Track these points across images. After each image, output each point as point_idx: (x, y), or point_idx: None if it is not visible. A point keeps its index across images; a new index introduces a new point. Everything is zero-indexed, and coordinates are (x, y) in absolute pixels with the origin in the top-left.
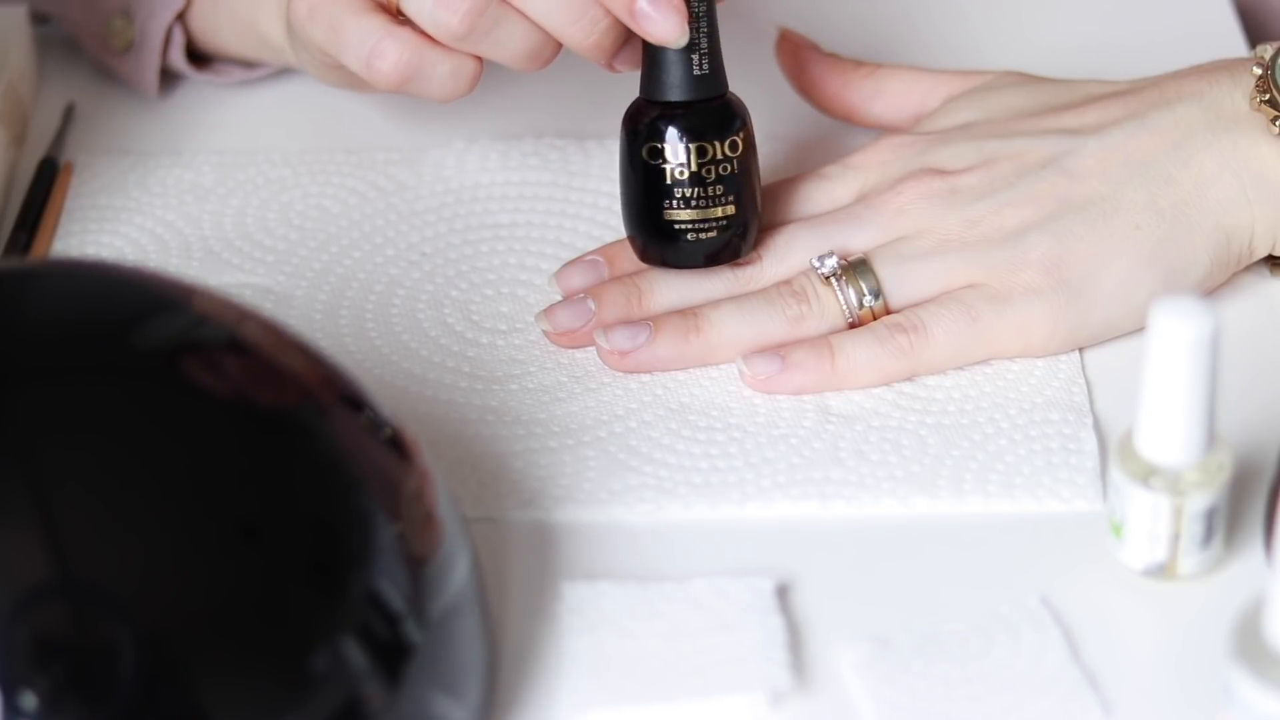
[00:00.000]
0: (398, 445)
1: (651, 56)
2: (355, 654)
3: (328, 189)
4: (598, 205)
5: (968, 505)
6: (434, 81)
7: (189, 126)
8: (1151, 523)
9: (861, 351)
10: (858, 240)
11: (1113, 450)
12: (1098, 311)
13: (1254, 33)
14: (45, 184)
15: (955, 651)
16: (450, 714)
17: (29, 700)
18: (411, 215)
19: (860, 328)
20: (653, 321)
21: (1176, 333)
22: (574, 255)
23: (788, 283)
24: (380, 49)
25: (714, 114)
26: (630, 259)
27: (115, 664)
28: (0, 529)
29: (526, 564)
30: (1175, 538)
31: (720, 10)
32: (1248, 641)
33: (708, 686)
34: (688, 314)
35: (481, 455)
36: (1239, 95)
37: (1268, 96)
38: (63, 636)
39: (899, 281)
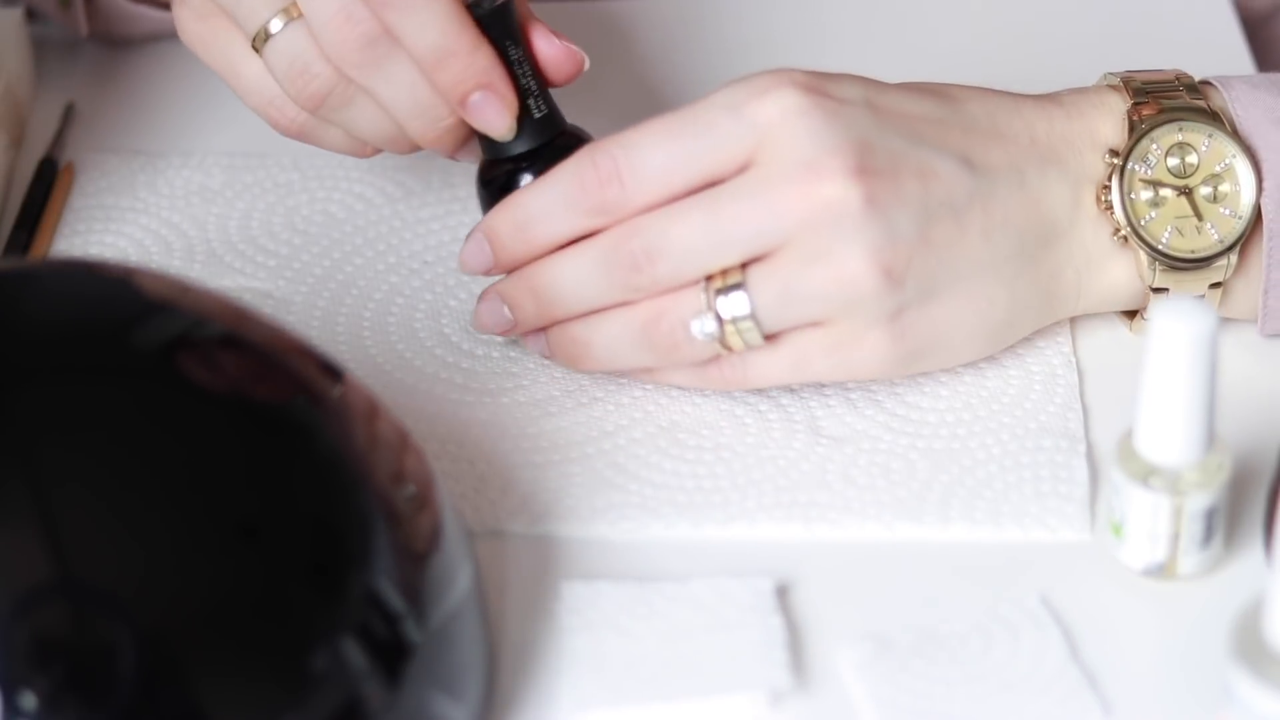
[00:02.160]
0: (398, 445)
1: None
2: (355, 654)
3: (335, 194)
4: None
5: (953, 532)
6: (327, 141)
7: (190, 126)
8: (1151, 523)
9: (679, 376)
10: (747, 244)
11: (1112, 451)
12: (919, 366)
13: (1254, 34)
14: (45, 184)
15: (955, 651)
16: (450, 714)
17: (29, 700)
18: (416, 223)
19: None
20: (547, 337)
21: (1176, 332)
22: None
23: (667, 320)
24: (276, 105)
25: (561, 150)
26: None
27: (115, 664)
28: (0, 528)
29: (525, 565)
30: (1175, 538)
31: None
32: (1247, 641)
33: (707, 686)
34: (578, 340)
35: (468, 467)
36: (1089, 187)
37: (1112, 201)
38: (62, 636)
39: (773, 315)
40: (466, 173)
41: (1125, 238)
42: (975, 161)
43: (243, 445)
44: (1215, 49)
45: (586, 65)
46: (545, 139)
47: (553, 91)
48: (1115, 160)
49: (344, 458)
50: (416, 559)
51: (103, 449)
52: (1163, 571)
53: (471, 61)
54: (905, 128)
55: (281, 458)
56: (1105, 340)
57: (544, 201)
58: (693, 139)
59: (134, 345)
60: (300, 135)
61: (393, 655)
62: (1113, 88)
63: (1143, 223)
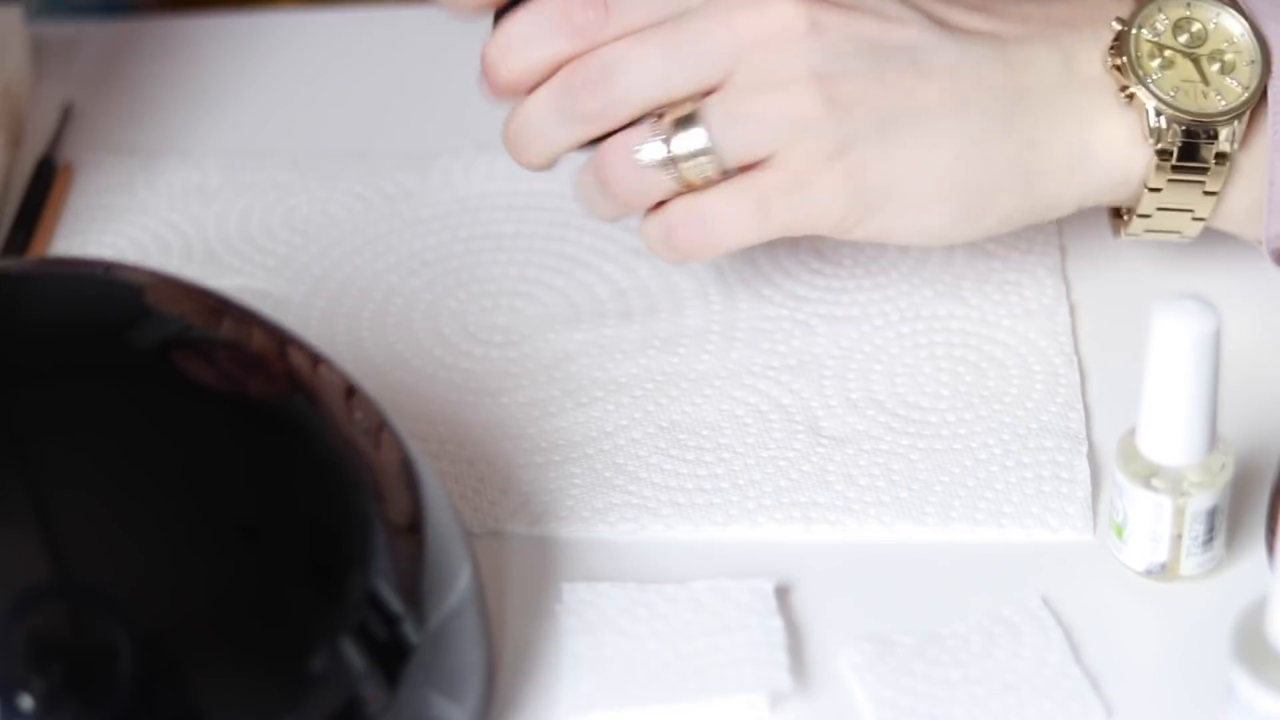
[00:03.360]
0: (396, 446)
1: None
2: (354, 655)
3: (334, 194)
4: None
5: (954, 533)
6: None
7: (189, 126)
8: (1153, 523)
9: (649, 232)
10: (698, 69)
11: (1114, 451)
12: (882, 220)
13: None
14: (43, 184)
15: (957, 653)
16: (449, 715)
17: (26, 701)
18: (415, 222)
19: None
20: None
21: (1178, 332)
22: (575, 267)
23: (620, 152)
24: None
25: None
26: None
27: (113, 665)
28: None
29: (525, 566)
30: (1177, 538)
31: None
32: (1249, 642)
33: (708, 688)
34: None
35: (467, 468)
36: (1095, 51)
37: (1121, 60)
38: (60, 637)
39: (724, 142)
40: (466, 173)
41: (1131, 96)
42: (950, 23)
43: (241, 446)
44: None
45: None
46: None
47: None
48: (1122, 25)
49: (342, 458)
50: (415, 560)
51: (101, 449)
52: (1165, 572)
53: None
54: None
55: (280, 458)
56: (1107, 340)
57: (529, 22)
58: (665, 74)
59: (132, 345)
60: None
61: (392, 656)
62: None
63: (1151, 78)
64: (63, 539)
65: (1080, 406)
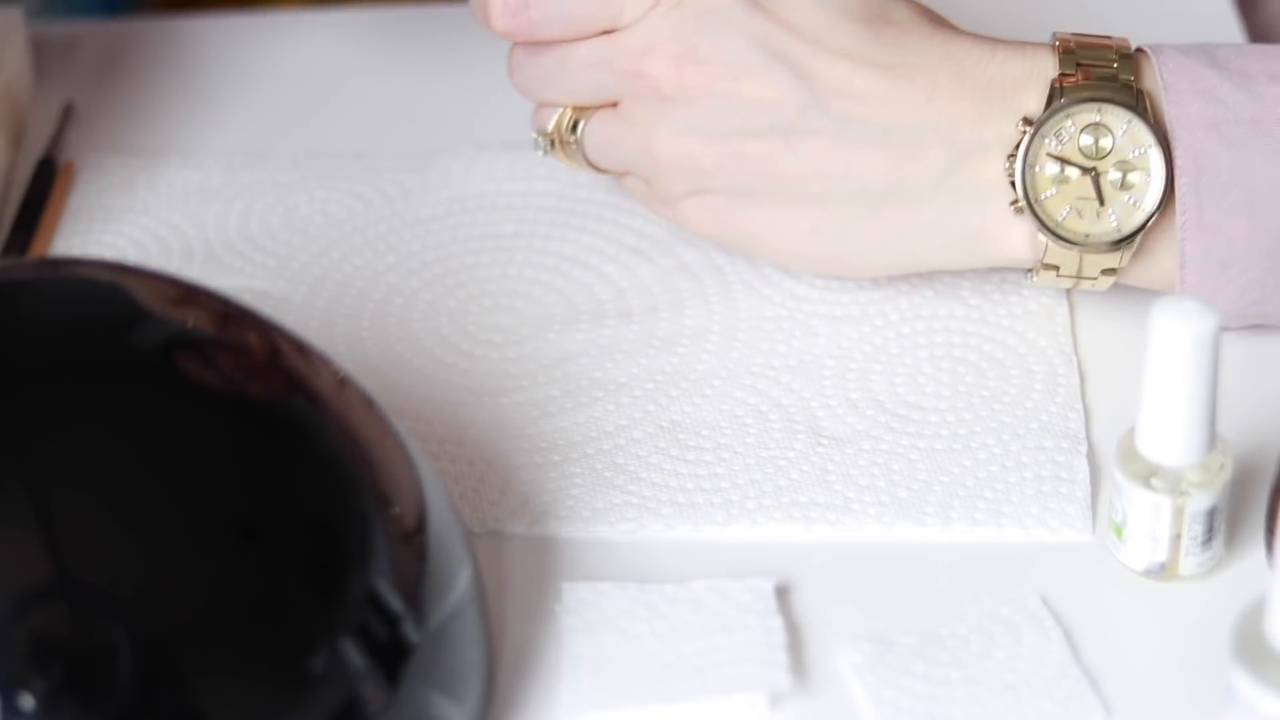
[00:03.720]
0: (396, 446)
1: None
2: (354, 655)
3: (334, 194)
4: (602, 218)
5: (954, 533)
6: None
7: (189, 126)
8: (1152, 523)
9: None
10: (589, 93)
11: (1114, 451)
12: (756, 253)
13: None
14: (44, 184)
15: (956, 653)
16: (449, 715)
17: (27, 701)
18: (415, 223)
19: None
20: None
21: (1177, 333)
22: (575, 268)
23: (535, 122)
24: None
25: None
26: None
27: (113, 665)
28: None
29: (525, 566)
30: (1176, 538)
31: None
32: (1249, 642)
33: (707, 688)
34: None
35: (467, 468)
36: (994, 154)
37: (1014, 172)
38: (61, 637)
39: (595, 155)
40: (466, 174)
41: (1020, 209)
42: (839, 94)
43: (241, 446)
44: (1210, 29)
45: None
46: None
47: None
48: (1026, 129)
49: (343, 458)
50: (416, 559)
51: (101, 449)
52: (1164, 572)
53: None
54: (779, 41)
55: (280, 458)
56: (1107, 340)
57: (474, 5)
58: (598, 4)
59: (132, 345)
60: None
61: (392, 656)
62: (1050, 49)
63: (1041, 198)
64: (63, 539)
65: (1079, 406)
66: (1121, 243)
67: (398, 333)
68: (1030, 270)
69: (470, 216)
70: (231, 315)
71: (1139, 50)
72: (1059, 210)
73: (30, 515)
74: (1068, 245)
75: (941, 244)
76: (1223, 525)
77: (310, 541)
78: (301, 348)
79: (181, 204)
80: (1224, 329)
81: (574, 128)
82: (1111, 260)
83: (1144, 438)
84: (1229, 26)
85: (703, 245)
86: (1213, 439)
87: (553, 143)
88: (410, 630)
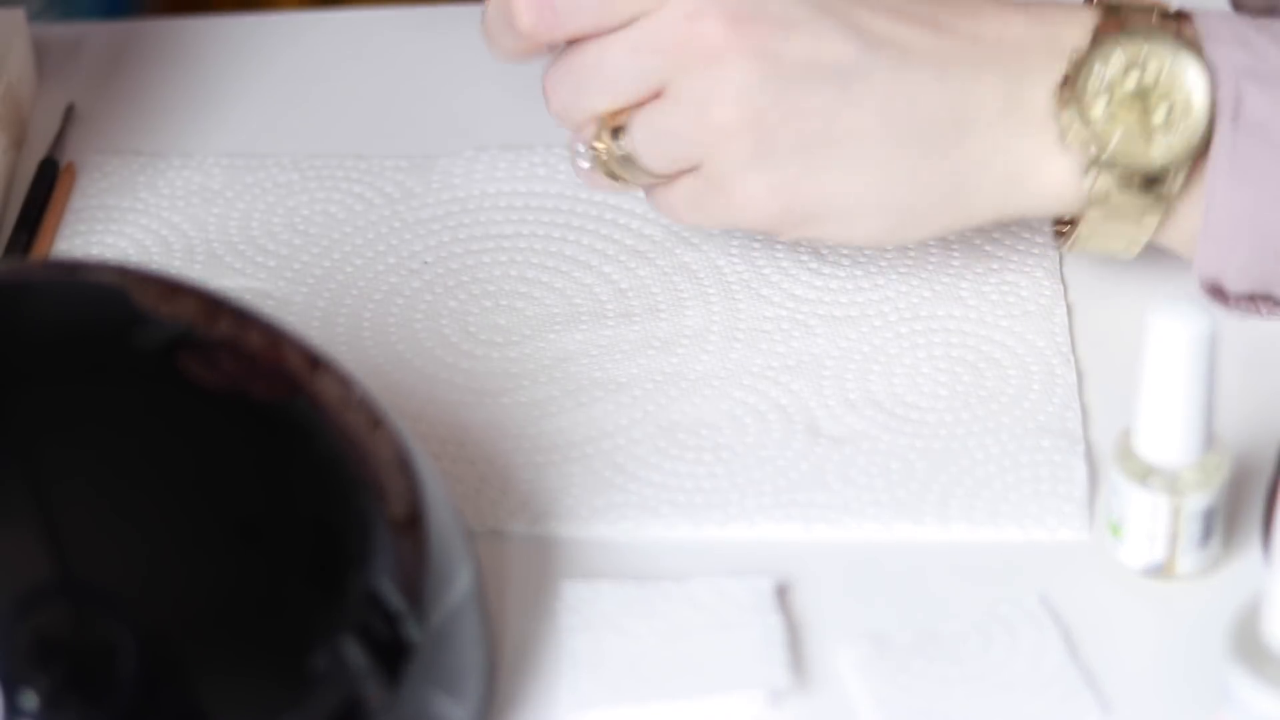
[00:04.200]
0: (397, 445)
1: None
2: (355, 653)
3: (335, 195)
4: (602, 218)
5: (952, 532)
6: None
7: (190, 127)
8: (1150, 522)
9: (583, 176)
10: (630, 86)
11: (1111, 450)
12: (814, 228)
13: None
14: (46, 184)
15: (954, 651)
16: (450, 713)
17: (29, 700)
18: (416, 224)
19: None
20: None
21: (1175, 332)
22: (575, 268)
23: (572, 145)
24: None
25: None
26: None
27: (115, 663)
28: (0, 528)
29: (525, 565)
30: (1173, 537)
31: None
32: (1245, 641)
33: (707, 685)
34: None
35: (468, 468)
36: (1043, 86)
37: (1067, 99)
38: (63, 636)
39: (647, 153)
40: (467, 174)
41: (1071, 136)
42: (891, 43)
43: (243, 445)
44: None
45: None
46: None
47: None
48: (1076, 57)
49: (343, 458)
50: (417, 559)
51: (103, 449)
52: (1161, 571)
53: None
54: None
55: (281, 458)
56: (1105, 340)
57: (494, 13)
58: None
59: (134, 346)
60: None
61: (393, 655)
62: (1090, 5)
63: (1094, 125)
64: (66, 538)
65: (1077, 406)
66: (1163, 179)
67: (399, 333)
68: (1066, 227)
69: (471, 217)
70: (233, 316)
71: (1179, 12)
72: (1110, 135)
73: (33, 514)
74: (1114, 172)
75: (997, 184)
76: (1220, 524)
77: (311, 540)
78: (303, 348)
79: (183, 204)
80: (1227, 298)
81: (614, 135)
82: (1157, 206)
83: (1141, 437)
84: None
85: (702, 246)
86: (1210, 438)
87: (596, 158)
88: (411, 629)
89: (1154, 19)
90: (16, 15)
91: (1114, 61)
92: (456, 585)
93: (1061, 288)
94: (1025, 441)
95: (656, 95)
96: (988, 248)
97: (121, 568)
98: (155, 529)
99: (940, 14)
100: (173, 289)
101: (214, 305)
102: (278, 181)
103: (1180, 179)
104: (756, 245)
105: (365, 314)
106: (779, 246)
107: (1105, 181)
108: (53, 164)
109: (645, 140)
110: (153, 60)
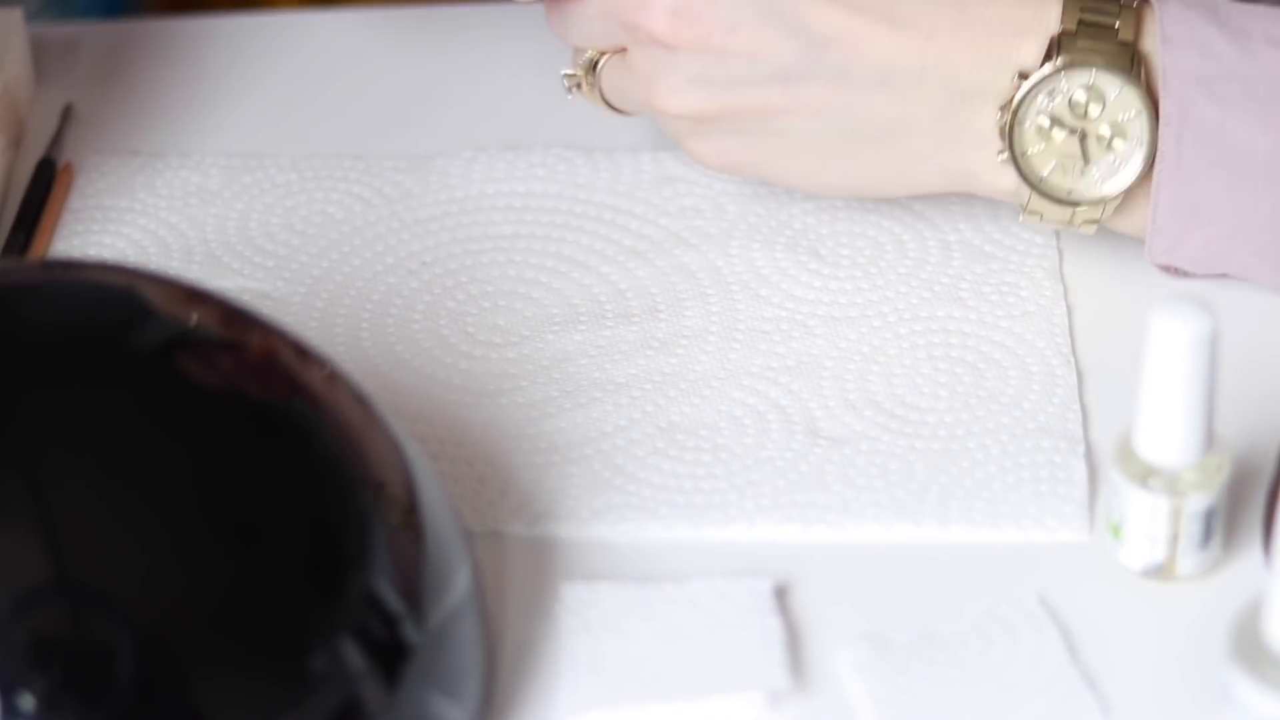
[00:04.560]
0: (395, 446)
1: None
2: (353, 655)
3: (333, 195)
4: (600, 219)
5: (951, 533)
6: None
7: (188, 127)
8: (1150, 523)
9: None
10: (596, 41)
11: (1111, 451)
12: (761, 179)
13: None
14: (43, 185)
15: (954, 652)
16: (449, 714)
17: (27, 701)
18: (414, 224)
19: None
20: None
21: (1175, 333)
22: (573, 268)
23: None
24: None
25: None
26: None
27: (113, 664)
28: None
29: (524, 566)
30: (1174, 538)
31: None
32: (1246, 642)
33: (706, 687)
34: None
35: (467, 468)
36: (989, 101)
37: (1005, 124)
38: (61, 637)
39: (613, 97)
40: (465, 175)
41: (1006, 161)
42: (833, 48)
43: (241, 446)
44: None
45: None
46: None
47: None
48: (1021, 84)
49: (342, 459)
50: (415, 560)
51: (101, 450)
52: (1161, 572)
53: None
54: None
55: (279, 459)
56: (1105, 341)
57: None
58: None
59: (132, 347)
60: None
61: (391, 656)
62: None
63: (1027, 153)
64: (63, 539)
65: (1077, 407)
66: (1096, 205)
67: (397, 333)
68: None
69: (469, 217)
70: (231, 316)
71: (1142, 2)
72: (1044, 166)
73: (31, 515)
74: (1050, 201)
75: (940, 176)
76: (1220, 525)
77: (309, 542)
78: (301, 348)
79: (181, 205)
80: (1186, 274)
81: (593, 68)
82: (1094, 213)
83: (1142, 438)
84: None
85: (701, 246)
86: (1210, 439)
87: (580, 84)
88: (410, 630)
89: (1115, 18)
90: (14, 15)
91: (1060, 90)
92: (455, 586)
93: (1061, 288)
94: (1025, 442)
95: (623, 50)
96: (988, 248)
97: (119, 569)
98: (153, 530)
99: (886, 14)
100: (171, 289)
101: (212, 306)
102: (276, 182)
103: (1111, 208)
104: (756, 246)
105: (363, 314)
106: (779, 247)
107: (1038, 203)
108: (50, 164)
109: (609, 87)
110: (151, 60)
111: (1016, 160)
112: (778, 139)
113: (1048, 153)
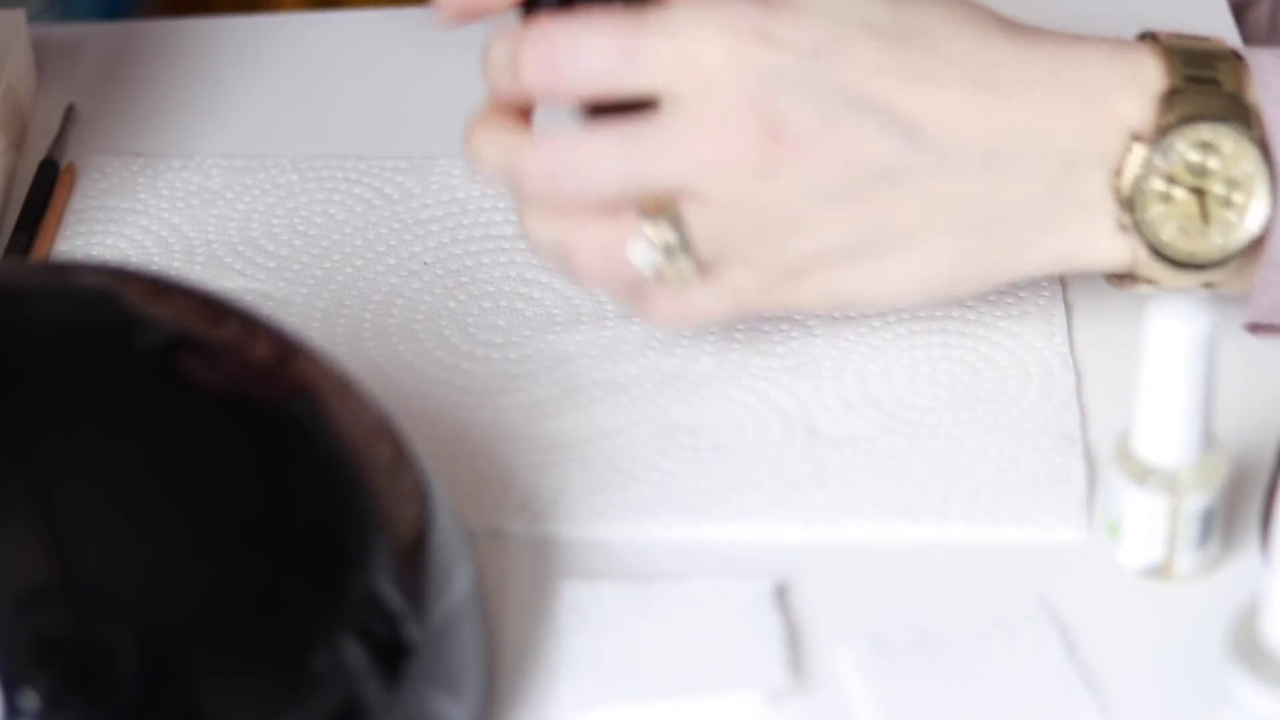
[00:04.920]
0: (397, 446)
1: None
2: (354, 654)
3: (334, 196)
4: None
5: (950, 532)
6: None
7: (190, 128)
8: (1148, 523)
9: (624, 299)
10: (666, 183)
11: (1109, 451)
12: (857, 310)
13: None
14: (46, 186)
15: (953, 651)
16: (449, 713)
17: (29, 700)
18: (416, 224)
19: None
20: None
21: (1174, 333)
22: None
23: (591, 243)
24: None
25: None
26: None
27: (115, 664)
28: (1, 529)
29: (525, 565)
30: (1172, 538)
31: None
32: (1244, 641)
33: (706, 685)
34: (525, 229)
35: (468, 468)
36: (1098, 169)
37: (1123, 188)
38: (63, 636)
39: (704, 246)
40: (467, 175)
41: (1126, 227)
42: (930, 133)
43: (243, 445)
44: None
45: None
46: None
47: None
48: (1136, 146)
49: (343, 458)
50: (416, 559)
51: (103, 449)
52: (1160, 572)
53: None
54: (855, 85)
55: (281, 458)
56: (1103, 341)
57: (498, 57)
58: (632, 60)
59: (134, 347)
60: None
61: (392, 655)
62: (1151, 53)
63: (1149, 216)
64: (66, 538)
65: (1076, 407)
66: (1223, 262)
67: (399, 334)
68: (1123, 278)
69: (471, 218)
70: (233, 317)
71: (1235, 54)
72: (1164, 229)
73: (33, 515)
74: (1171, 265)
75: (1046, 259)
76: (1219, 525)
77: (311, 541)
78: (303, 349)
79: (183, 205)
80: (1275, 331)
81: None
82: (1214, 276)
83: (1140, 438)
84: (1224, 25)
85: None
86: (1208, 439)
87: (659, 266)
88: (411, 629)
89: (1216, 72)
90: (16, 16)
91: (1177, 148)
92: (456, 585)
93: (1060, 288)
94: (1024, 442)
95: (688, 189)
96: None
97: (122, 568)
98: (155, 529)
99: (989, 64)
100: (172, 290)
101: (214, 306)
102: (277, 182)
103: (1234, 268)
104: None
105: (365, 315)
106: None
107: (1156, 269)
108: (53, 165)
109: (705, 239)
110: (153, 61)
111: (1138, 225)
112: (888, 248)
113: (1168, 215)
